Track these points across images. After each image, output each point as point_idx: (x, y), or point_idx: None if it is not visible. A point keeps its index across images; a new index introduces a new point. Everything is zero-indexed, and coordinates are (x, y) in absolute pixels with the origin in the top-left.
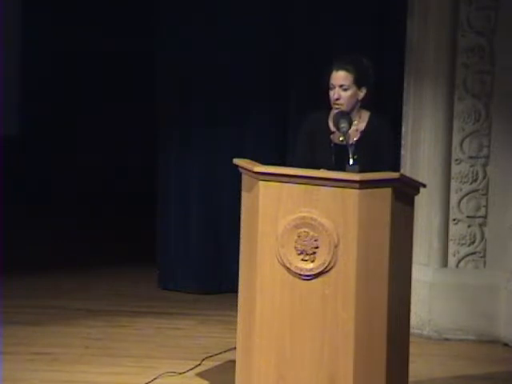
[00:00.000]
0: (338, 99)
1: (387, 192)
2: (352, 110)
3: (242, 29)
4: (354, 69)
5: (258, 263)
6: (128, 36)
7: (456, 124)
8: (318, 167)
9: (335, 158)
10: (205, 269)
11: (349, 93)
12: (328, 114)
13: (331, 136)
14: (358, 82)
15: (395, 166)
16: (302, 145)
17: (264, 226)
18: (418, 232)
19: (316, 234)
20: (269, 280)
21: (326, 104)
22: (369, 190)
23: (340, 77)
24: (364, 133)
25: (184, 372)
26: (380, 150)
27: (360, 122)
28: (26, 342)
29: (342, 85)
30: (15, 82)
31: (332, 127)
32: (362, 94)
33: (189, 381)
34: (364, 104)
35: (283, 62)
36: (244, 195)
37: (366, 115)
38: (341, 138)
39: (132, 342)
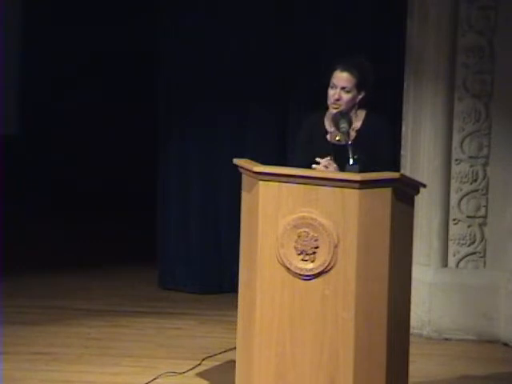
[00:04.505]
0: (338, 100)
1: (387, 192)
2: (349, 111)
3: (243, 29)
4: (357, 73)
5: (257, 263)
6: (128, 36)
7: (456, 124)
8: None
9: (334, 157)
10: (205, 269)
11: (349, 95)
12: (324, 114)
13: (327, 136)
14: (359, 86)
15: (395, 165)
16: (301, 146)
17: (264, 226)
18: (417, 232)
19: (316, 234)
20: (269, 280)
21: (324, 104)
22: (369, 190)
23: (343, 78)
24: (360, 131)
25: (184, 372)
26: (378, 150)
27: (356, 121)
28: (25, 342)
29: (344, 87)
30: (15, 82)
31: (328, 127)
32: (360, 96)
33: (189, 381)
34: (360, 105)
35: (283, 62)
36: (244, 195)
37: (361, 114)
38: (337, 138)
39: (132, 341)
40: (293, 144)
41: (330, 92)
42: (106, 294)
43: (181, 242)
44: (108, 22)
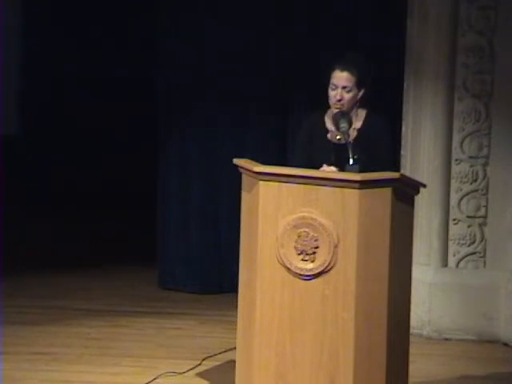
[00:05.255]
0: (340, 100)
1: (387, 192)
2: (351, 110)
3: (243, 29)
4: (356, 70)
5: (257, 263)
6: (128, 36)
7: (456, 124)
8: (317, 167)
9: (335, 157)
10: (205, 269)
11: (351, 94)
12: (324, 113)
13: (328, 135)
14: (359, 84)
15: (395, 165)
16: (301, 146)
17: (264, 226)
18: (417, 232)
19: (316, 234)
20: (269, 280)
21: (324, 103)
22: (369, 190)
23: (344, 78)
24: (361, 131)
25: (184, 372)
26: (378, 150)
27: (357, 121)
28: (25, 342)
29: (345, 86)
30: (15, 81)
31: (329, 126)
32: (360, 94)
33: (189, 381)
34: (361, 103)
35: (283, 62)
36: (244, 195)
37: (362, 113)
38: (338, 137)
39: (132, 341)
40: (293, 144)
41: (331, 93)
42: (106, 294)
43: (181, 242)
44: (108, 22)
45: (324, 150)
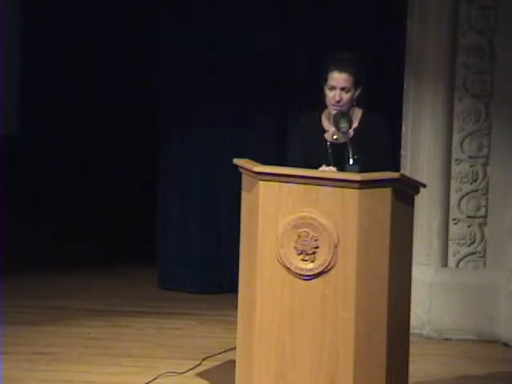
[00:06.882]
0: (339, 101)
1: (387, 192)
2: (349, 109)
3: (243, 29)
4: (354, 70)
5: (257, 263)
6: (128, 36)
7: (456, 124)
8: (315, 167)
9: (332, 157)
10: (205, 269)
11: (349, 94)
12: (320, 113)
13: (325, 135)
14: (356, 83)
15: (395, 165)
16: (297, 146)
17: (264, 226)
18: (417, 232)
19: (316, 234)
20: (269, 280)
21: (322, 103)
22: (369, 190)
23: (342, 79)
24: (357, 130)
25: (184, 372)
26: (378, 150)
27: (353, 120)
28: (25, 342)
29: (343, 87)
30: (15, 81)
31: (326, 126)
32: (357, 93)
33: (189, 381)
34: (357, 102)
35: (283, 62)
36: (244, 195)
37: (358, 113)
38: (335, 137)
39: (132, 341)
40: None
41: (330, 94)
42: (106, 294)
43: (181, 242)
44: (108, 22)
45: (321, 149)
